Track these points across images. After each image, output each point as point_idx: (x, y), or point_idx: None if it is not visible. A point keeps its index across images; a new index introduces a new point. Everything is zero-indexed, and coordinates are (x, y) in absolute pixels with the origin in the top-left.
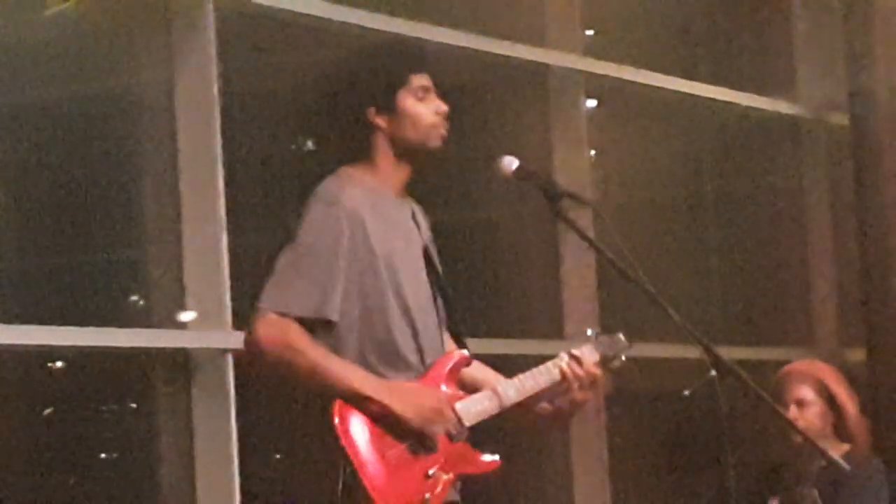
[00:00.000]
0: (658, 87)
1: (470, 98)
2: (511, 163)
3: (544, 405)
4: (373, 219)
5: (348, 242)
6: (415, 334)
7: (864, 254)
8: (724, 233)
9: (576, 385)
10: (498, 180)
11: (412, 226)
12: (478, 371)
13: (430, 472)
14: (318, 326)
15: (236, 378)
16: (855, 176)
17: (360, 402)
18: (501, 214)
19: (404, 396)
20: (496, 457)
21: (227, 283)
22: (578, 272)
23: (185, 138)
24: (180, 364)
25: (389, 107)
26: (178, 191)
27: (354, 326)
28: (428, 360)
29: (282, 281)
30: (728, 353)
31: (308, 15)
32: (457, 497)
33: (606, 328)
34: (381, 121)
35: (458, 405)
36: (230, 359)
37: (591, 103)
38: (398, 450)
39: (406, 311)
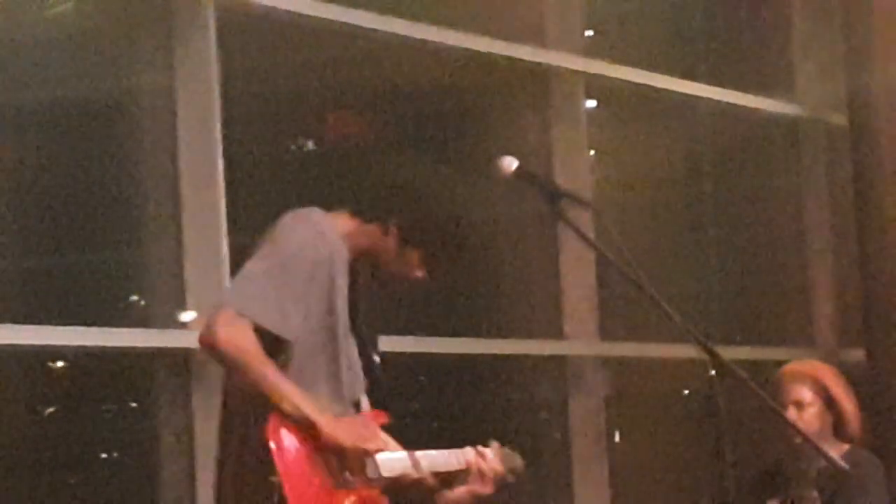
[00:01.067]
0: (658, 88)
1: (470, 98)
2: (511, 163)
3: (453, 491)
4: (342, 263)
5: (324, 273)
6: (350, 383)
7: (864, 254)
8: (724, 233)
9: (479, 478)
10: (498, 180)
11: (358, 285)
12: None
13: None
14: (274, 341)
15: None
16: (854, 176)
17: (300, 420)
18: (501, 214)
19: (341, 423)
20: None
21: (228, 283)
22: (578, 272)
23: (186, 138)
24: (181, 364)
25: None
26: (178, 191)
27: (305, 353)
28: (351, 403)
29: (251, 285)
30: (728, 353)
31: (308, 15)
32: None
33: (607, 328)
34: (394, 229)
35: (380, 456)
36: None
37: (591, 103)
38: (321, 477)
39: (348, 351)
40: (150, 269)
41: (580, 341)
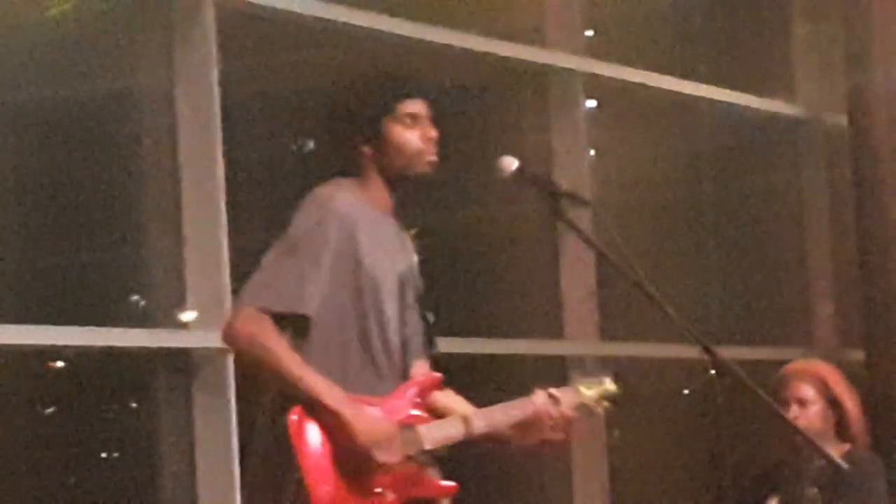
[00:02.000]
0: (658, 88)
1: (470, 98)
2: (511, 163)
3: (514, 436)
4: (362, 228)
5: (335, 245)
6: (387, 348)
7: (863, 254)
8: (724, 233)
9: (548, 424)
10: (498, 180)
11: (398, 245)
12: (451, 399)
13: (378, 490)
14: (295, 324)
15: (237, 378)
16: (853, 176)
17: (319, 410)
18: (501, 214)
19: (362, 417)
20: (452, 483)
21: (228, 282)
22: (578, 272)
23: (186, 138)
24: (181, 364)
25: (375, 136)
26: (178, 191)
27: (332, 330)
28: (392, 377)
29: (263, 276)
30: (727, 353)
31: (308, 15)
32: None
33: (606, 328)
34: (367, 149)
35: (422, 428)
36: (230, 359)
37: (591, 103)
38: (351, 464)
39: (382, 325)
40: (150, 269)
41: (580, 341)
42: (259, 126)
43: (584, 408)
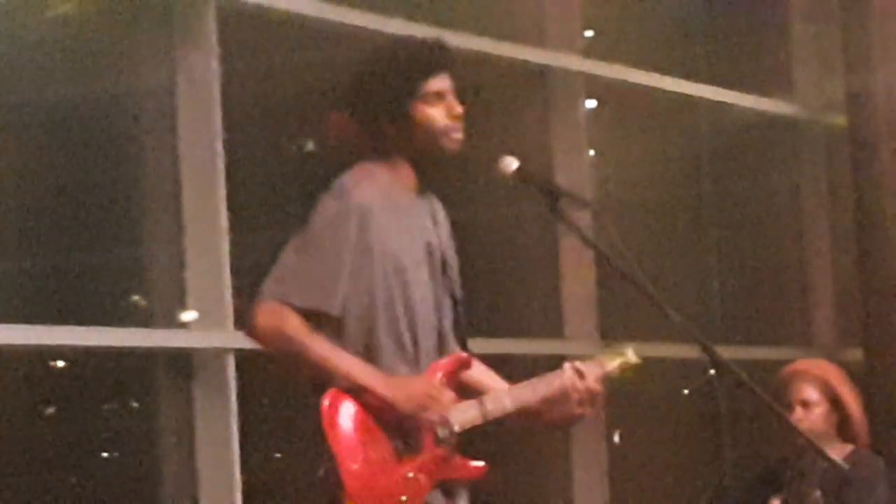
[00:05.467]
0: (658, 88)
1: (470, 98)
2: (511, 163)
3: (543, 412)
4: (383, 215)
5: (355, 237)
6: (414, 333)
7: (863, 254)
8: (724, 233)
9: (575, 399)
10: (498, 181)
11: (427, 224)
12: (483, 375)
13: (410, 474)
14: (320, 319)
15: (236, 378)
16: (853, 176)
17: (354, 390)
18: (501, 214)
19: (398, 384)
20: (482, 463)
21: (228, 282)
22: (578, 272)
23: (186, 138)
24: (181, 364)
25: (400, 116)
26: (179, 191)
27: (358, 322)
28: (423, 359)
29: (284, 270)
30: (728, 352)
31: (308, 15)
32: (441, 500)
33: (607, 328)
34: (392, 129)
35: (450, 410)
36: (231, 359)
37: (591, 103)
38: (382, 449)
39: (409, 310)
40: (150, 269)
41: (580, 341)
42: (259, 126)
43: (608, 379)
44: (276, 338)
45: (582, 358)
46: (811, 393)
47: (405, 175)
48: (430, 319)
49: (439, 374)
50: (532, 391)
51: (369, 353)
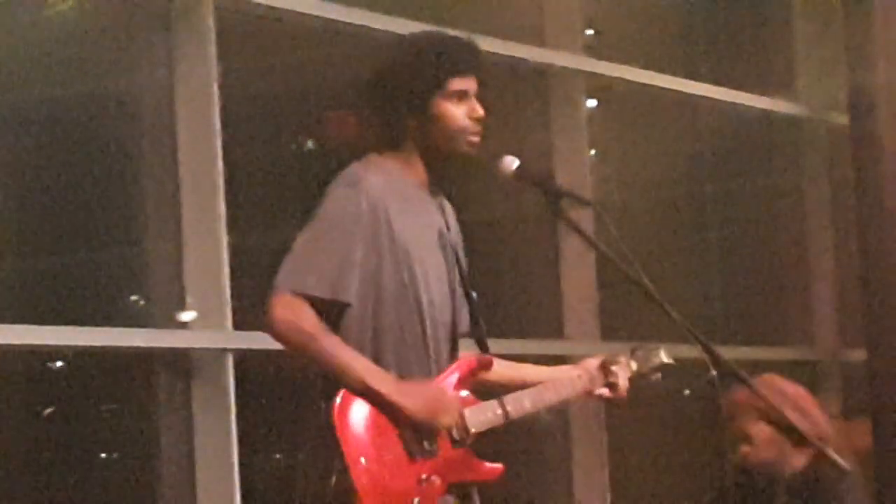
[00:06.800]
0: (658, 87)
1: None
2: (511, 163)
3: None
4: (395, 206)
5: (367, 226)
6: (424, 330)
7: (864, 253)
8: (724, 233)
9: (596, 396)
10: (498, 180)
11: (438, 220)
12: (506, 369)
13: (423, 476)
14: (332, 308)
15: (236, 378)
16: (855, 175)
17: (365, 394)
18: (501, 214)
19: (411, 392)
20: (498, 465)
21: (228, 282)
22: (578, 272)
23: (185, 138)
24: (180, 364)
25: (421, 110)
26: (178, 190)
27: (369, 313)
28: (436, 357)
29: (298, 260)
30: (728, 353)
31: (308, 15)
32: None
33: (607, 329)
34: (411, 121)
35: (467, 411)
36: (230, 359)
37: (591, 103)
38: (395, 450)
39: (419, 305)
40: (149, 269)
41: (580, 341)
42: (259, 126)
43: (638, 379)
44: (290, 331)
45: (582, 357)
46: (749, 426)
47: (417, 170)
48: (443, 306)
49: (455, 378)
50: (555, 393)
51: (377, 340)
